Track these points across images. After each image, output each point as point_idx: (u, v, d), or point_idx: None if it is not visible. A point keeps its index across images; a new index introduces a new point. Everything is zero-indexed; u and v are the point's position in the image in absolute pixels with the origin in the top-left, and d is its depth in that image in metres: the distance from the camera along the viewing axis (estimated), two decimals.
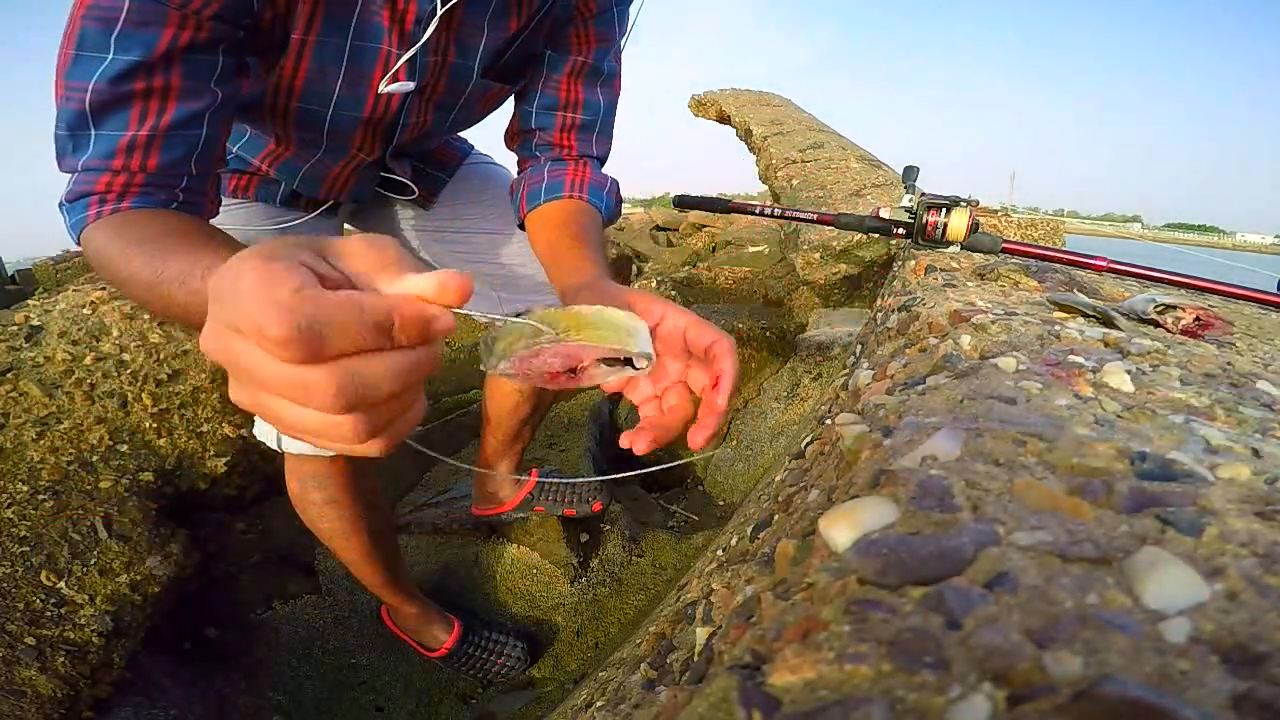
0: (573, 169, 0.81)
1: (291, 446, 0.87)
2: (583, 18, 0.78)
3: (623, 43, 0.85)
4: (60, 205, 0.57)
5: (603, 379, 0.36)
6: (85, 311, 1.31)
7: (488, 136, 0.98)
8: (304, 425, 0.30)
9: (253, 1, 0.57)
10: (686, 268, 3.04)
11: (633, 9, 0.84)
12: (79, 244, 0.57)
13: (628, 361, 0.37)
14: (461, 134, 1.02)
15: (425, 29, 0.65)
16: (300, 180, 0.84)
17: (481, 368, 0.37)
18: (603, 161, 0.87)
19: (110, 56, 0.51)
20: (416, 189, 0.94)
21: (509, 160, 0.94)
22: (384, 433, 0.31)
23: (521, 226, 0.85)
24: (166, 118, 0.55)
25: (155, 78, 0.53)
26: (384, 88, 0.69)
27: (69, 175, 0.56)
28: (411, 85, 0.71)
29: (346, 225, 1.05)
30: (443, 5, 0.64)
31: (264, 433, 0.89)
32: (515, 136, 0.87)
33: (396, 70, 0.69)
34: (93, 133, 0.54)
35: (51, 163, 0.57)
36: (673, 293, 2.30)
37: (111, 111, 0.53)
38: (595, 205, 0.79)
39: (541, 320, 0.36)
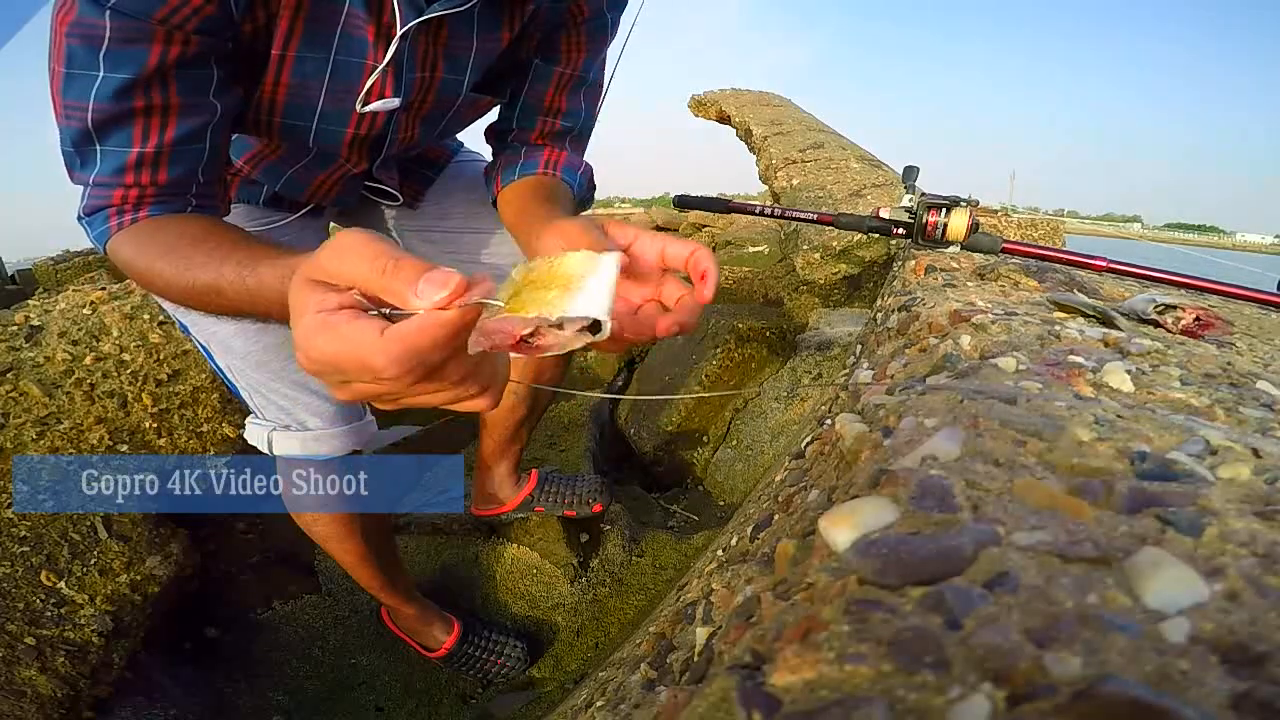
0: (548, 151, 0.83)
1: (283, 450, 0.87)
2: (575, 22, 0.77)
3: (617, 47, 0.85)
4: (80, 219, 0.59)
5: (560, 346, 0.34)
6: (85, 311, 1.31)
7: (478, 135, 0.98)
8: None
9: (233, 14, 0.56)
10: None
11: (630, 9, 0.83)
12: (105, 253, 0.59)
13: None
14: None
15: (391, 47, 0.63)
16: (283, 184, 0.83)
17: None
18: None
19: (101, 74, 0.51)
20: (403, 190, 0.93)
21: (484, 150, 0.95)
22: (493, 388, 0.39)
23: (495, 204, 0.85)
24: (170, 134, 0.55)
25: (153, 94, 0.54)
26: (364, 107, 0.68)
27: (81, 188, 0.57)
28: (396, 103, 0.69)
29: (332, 225, 1.05)
30: (402, 25, 0.62)
31: (255, 437, 0.89)
32: (495, 134, 0.88)
33: (380, 88, 0.67)
34: (99, 149, 0.55)
35: (52, 164, 0.58)
36: None
37: (114, 128, 0.54)
38: (568, 183, 0.82)
39: (510, 280, 0.36)
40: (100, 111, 0.53)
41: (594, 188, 0.89)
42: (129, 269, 0.58)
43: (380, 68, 0.65)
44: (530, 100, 0.82)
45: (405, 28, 0.62)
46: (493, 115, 0.89)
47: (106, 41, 0.50)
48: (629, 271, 0.52)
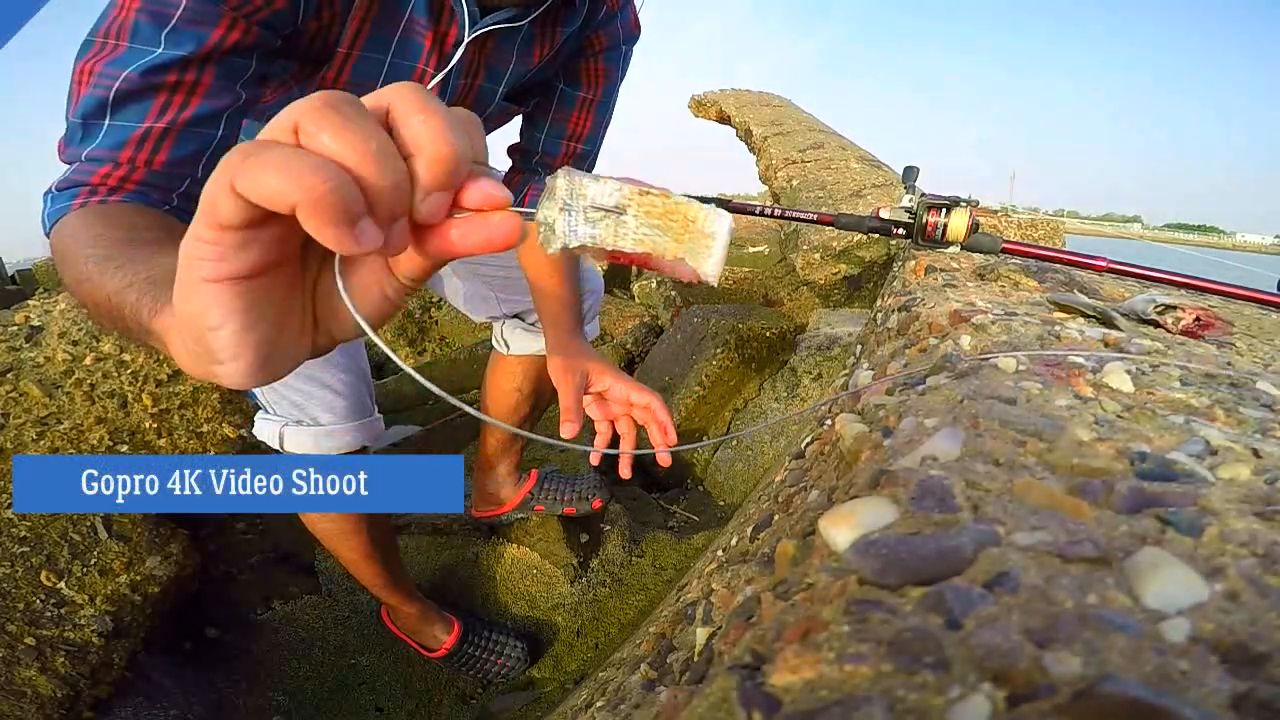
0: None
1: (292, 446, 0.88)
2: (593, 50, 0.83)
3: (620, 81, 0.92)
4: (46, 193, 0.52)
5: (662, 268, 0.35)
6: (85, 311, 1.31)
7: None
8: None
9: (300, 12, 0.58)
10: None
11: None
12: (48, 234, 0.51)
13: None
14: None
15: (458, 52, 0.68)
16: None
17: (545, 241, 0.30)
18: None
19: (160, 50, 0.51)
20: None
21: (502, 162, 1.00)
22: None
23: None
24: (188, 112, 0.54)
25: (188, 73, 0.53)
26: None
27: (67, 166, 0.53)
28: None
29: None
30: (470, 34, 0.67)
31: (265, 432, 0.89)
32: (519, 153, 0.94)
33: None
34: (106, 122, 0.53)
35: (50, 164, 0.56)
36: (673, 292, 2.30)
37: (134, 101, 0.53)
38: None
39: (624, 196, 0.32)
40: (130, 82, 0.51)
41: None
42: (62, 247, 0.48)
43: (444, 72, 0.69)
44: (558, 122, 0.89)
45: (471, 37, 0.67)
46: (509, 127, 0.94)
47: (175, 19, 0.51)
48: (602, 400, 0.82)
